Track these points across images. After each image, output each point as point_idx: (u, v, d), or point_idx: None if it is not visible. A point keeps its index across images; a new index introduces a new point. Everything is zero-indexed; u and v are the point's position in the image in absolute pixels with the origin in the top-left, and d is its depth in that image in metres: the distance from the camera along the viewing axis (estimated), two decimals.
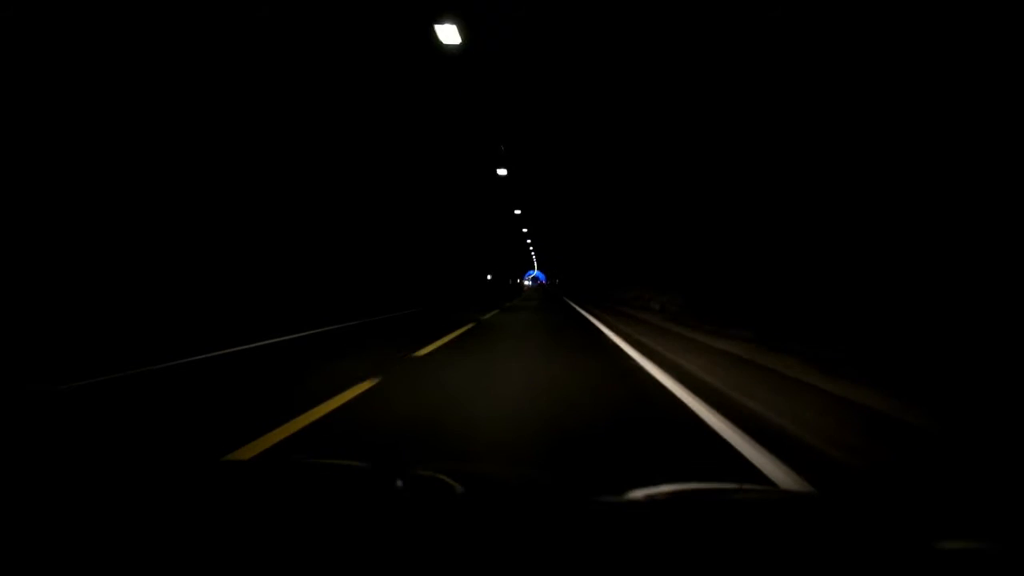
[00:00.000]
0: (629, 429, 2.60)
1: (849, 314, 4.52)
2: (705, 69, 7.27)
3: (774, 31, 5.08)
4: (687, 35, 7.29)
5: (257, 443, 2.32)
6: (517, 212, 33.06)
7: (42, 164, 6.74)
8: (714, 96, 7.20)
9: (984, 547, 0.59)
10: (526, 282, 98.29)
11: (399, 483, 0.88)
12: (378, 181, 18.73)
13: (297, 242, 13.37)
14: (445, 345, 6.01)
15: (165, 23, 7.87)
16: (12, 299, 6.20)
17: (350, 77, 12.57)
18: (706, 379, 3.76)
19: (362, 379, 3.74)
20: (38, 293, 6.52)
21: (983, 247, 3.30)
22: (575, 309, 13.91)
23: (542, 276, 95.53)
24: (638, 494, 0.82)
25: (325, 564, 0.52)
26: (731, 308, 7.22)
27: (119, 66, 7.54)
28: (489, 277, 48.11)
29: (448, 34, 9.33)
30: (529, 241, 56.48)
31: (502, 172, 22.30)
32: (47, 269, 6.71)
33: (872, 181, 4.28)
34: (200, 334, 6.66)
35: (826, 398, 3.03)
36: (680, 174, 9.65)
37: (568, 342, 6.50)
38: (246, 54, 9.58)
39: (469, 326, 8.64)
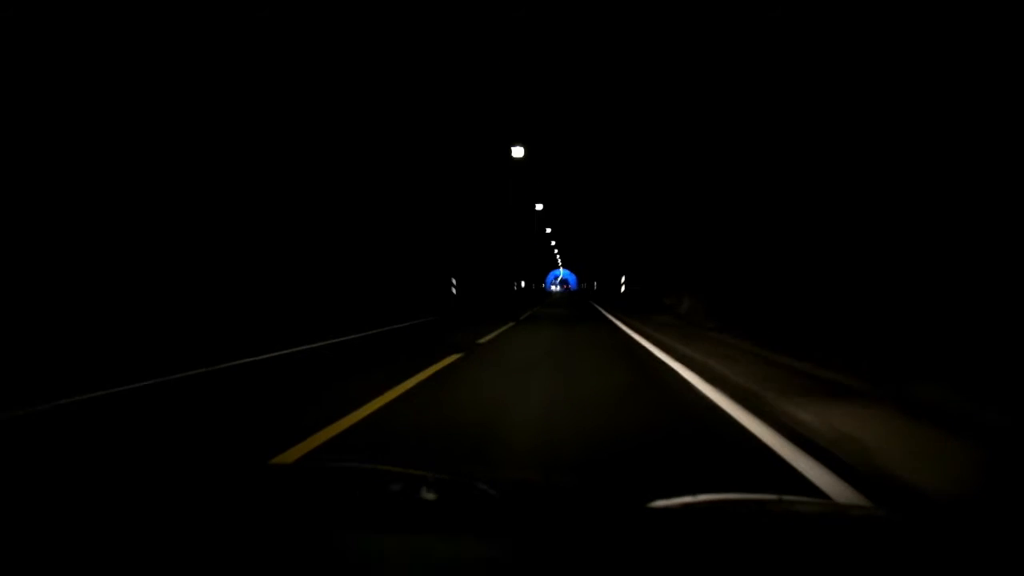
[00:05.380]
0: None
1: None
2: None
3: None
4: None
5: None
6: (539, 207, 29.97)
7: (39, 166, 6.91)
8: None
9: None
10: (553, 287, 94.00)
11: (436, 489, 0.94)
12: (379, 176, 16.75)
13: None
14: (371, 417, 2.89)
15: (166, 23, 8.06)
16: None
17: (355, 64, 12.94)
18: None
19: None
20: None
21: None
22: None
23: (572, 279, 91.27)
24: (681, 501, 0.85)
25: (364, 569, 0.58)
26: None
27: (120, 67, 7.68)
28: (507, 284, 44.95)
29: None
30: (553, 243, 53.30)
31: (518, 152, 19.79)
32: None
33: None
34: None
35: None
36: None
37: None
38: (246, 45, 9.67)
39: (452, 359, 5.51)
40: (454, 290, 21.63)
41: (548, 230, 40.28)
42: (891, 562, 0.62)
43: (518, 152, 14.92)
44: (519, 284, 59.68)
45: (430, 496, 0.92)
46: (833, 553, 0.64)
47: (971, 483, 2.02)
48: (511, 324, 11.48)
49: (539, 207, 26.45)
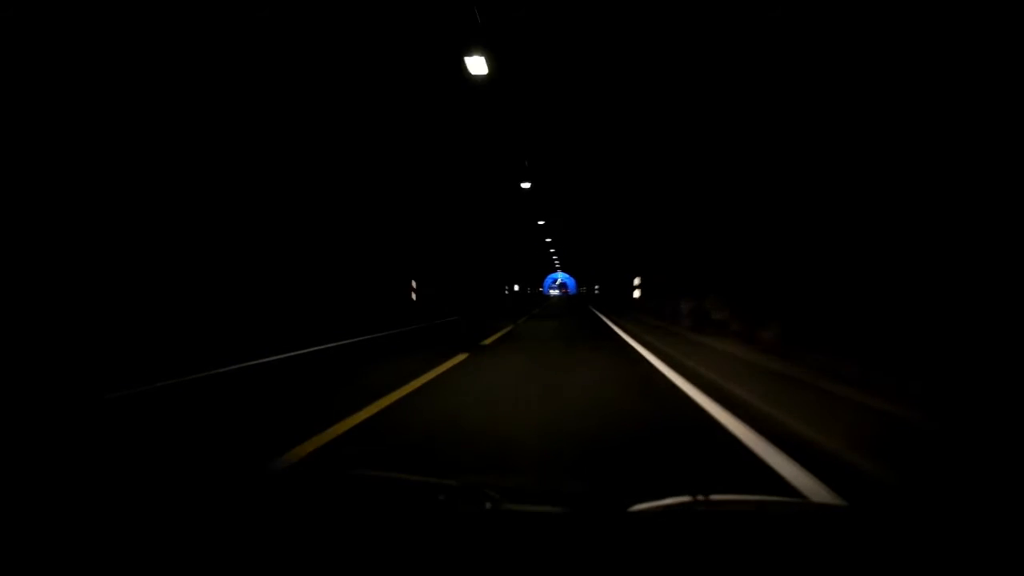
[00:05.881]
0: None
1: None
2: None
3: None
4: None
5: None
6: (526, 185, 25.47)
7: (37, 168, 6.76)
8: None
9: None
10: (552, 292, 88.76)
11: (439, 495, 0.98)
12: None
13: None
14: None
15: (165, 22, 7.92)
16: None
17: (355, 79, 12.69)
18: None
19: None
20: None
21: None
22: None
23: (571, 283, 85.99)
24: (666, 503, 0.87)
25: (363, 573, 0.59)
26: None
27: (119, 67, 7.63)
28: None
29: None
30: (548, 239, 48.10)
31: (479, 68, 16.76)
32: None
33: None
34: None
35: None
36: None
37: None
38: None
39: None
40: (414, 296, 16.47)
41: (541, 222, 35.10)
42: (867, 560, 0.63)
43: (479, 68, 10.01)
44: (511, 288, 54.22)
45: (420, 503, 0.91)
46: (809, 552, 0.65)
47: None
48: (459, 358, 6.31)
49: (526, 185, 21.31)
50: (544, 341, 8.93)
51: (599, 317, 15.42)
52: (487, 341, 8.69)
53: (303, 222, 13.40)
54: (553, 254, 65.28)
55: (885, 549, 0.66)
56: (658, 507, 0.83)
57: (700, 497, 0.89)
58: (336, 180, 14.95)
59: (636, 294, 17.13)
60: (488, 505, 0.88)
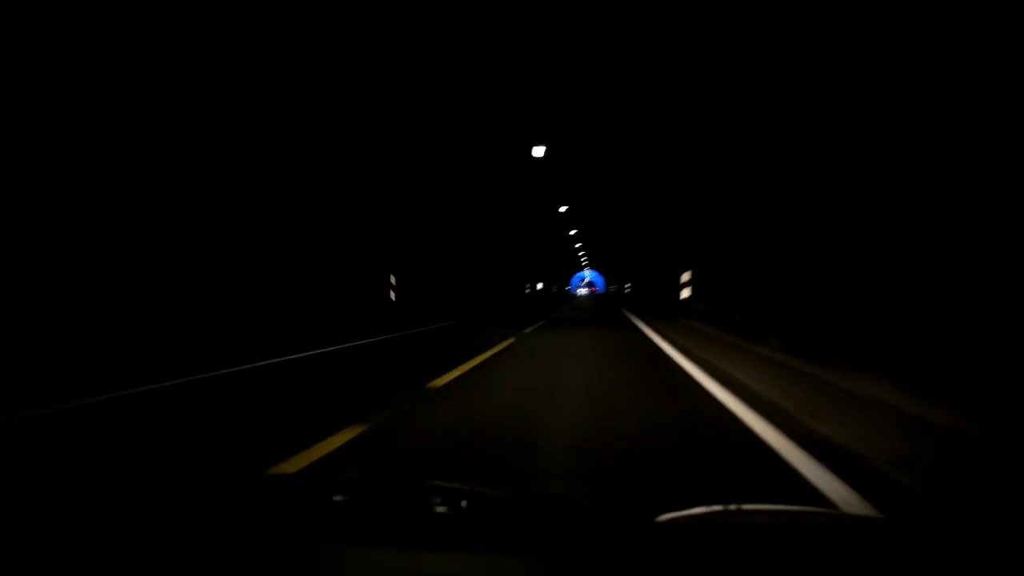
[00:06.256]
0: None
1: None
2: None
3: None
4: None
5: None
6: (538, 151, 22.67)
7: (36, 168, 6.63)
8: None
9: None
10: (580, 291, 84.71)
11: (455, 502, 0.94)
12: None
13: None
14: None
15: (165, 22, 7.78)
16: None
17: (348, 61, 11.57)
18: None
19: None
20: None
21: None
22: None
23: (599, 281, 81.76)
24: (694, 512, 0.84)
25: None
26: None
27: (118, 67, 7.51)
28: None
29: None
30: (573, 231, 44.24)
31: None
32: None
33: None
34: None
35: None
36: None
37: None
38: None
39: None
40: (393, 295, 12.96)
41: (563, 209, 31.38)
42: (899, 573, 0.61)
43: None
44: (532, 287, 50.33)
45: (438, 509, 0.89)
46: (840, 564, 0.63)
47: None
48: (338, 441, 2.64)
49: (542, 153, 17.90)
50: (552, 377, 5.18)
51: (638, 327, 11.50)
52: (449, 377, 4.95)
53: (252, 197, 9.99)
54: (580, 250, 61.39)
55: (919, 563, 0.64)
56: (686, 516, 0.80)
57: (731, 507, 0.86)
58: (297, 144, 11.51)
59: (685, 294, 13.19)
60: (507, 514, 0.85)
